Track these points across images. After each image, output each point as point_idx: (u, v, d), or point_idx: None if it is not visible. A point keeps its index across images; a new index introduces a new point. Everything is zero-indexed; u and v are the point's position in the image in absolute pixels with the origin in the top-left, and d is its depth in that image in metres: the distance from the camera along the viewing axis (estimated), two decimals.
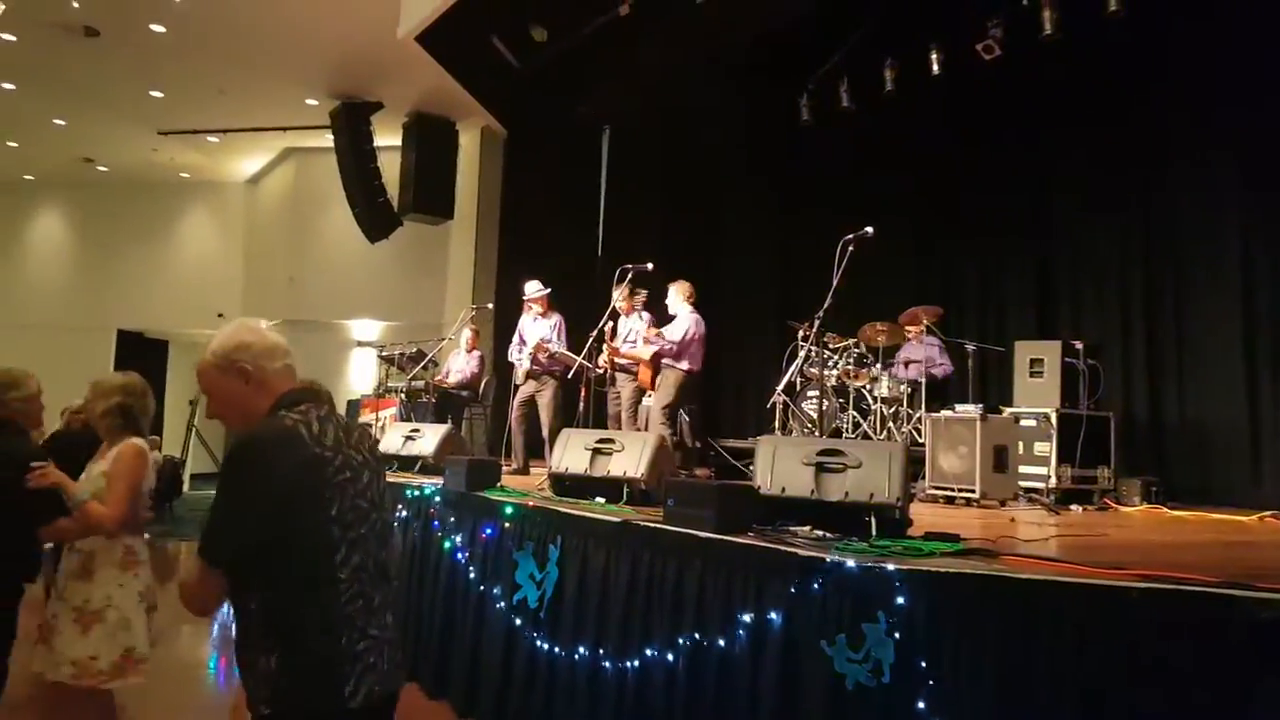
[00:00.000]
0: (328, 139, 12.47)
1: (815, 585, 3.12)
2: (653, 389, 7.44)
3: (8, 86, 12.64)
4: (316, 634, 2.03)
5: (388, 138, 12.16)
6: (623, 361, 7.64)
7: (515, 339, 8.13)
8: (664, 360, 7.28)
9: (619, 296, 7.52)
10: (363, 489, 2.18)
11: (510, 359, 8.16)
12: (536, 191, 11.35)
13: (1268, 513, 5.94)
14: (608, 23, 8.79)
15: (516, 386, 7.99)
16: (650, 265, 7.29)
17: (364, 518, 2.15)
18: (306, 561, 2.05)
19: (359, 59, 10.81)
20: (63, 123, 14.21)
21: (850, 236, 5.46)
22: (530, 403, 7.88)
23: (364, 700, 2.05)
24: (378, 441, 2.43)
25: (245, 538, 2.02)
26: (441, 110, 11.80)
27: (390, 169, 12.13)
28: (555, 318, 8.01)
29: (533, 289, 8.10)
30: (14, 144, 15.46)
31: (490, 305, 10.66)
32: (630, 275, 7.37)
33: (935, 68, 8.77)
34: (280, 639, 2.03)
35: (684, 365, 7.19)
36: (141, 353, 17.82)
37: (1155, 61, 8.06)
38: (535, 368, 7.81)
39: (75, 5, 10.01)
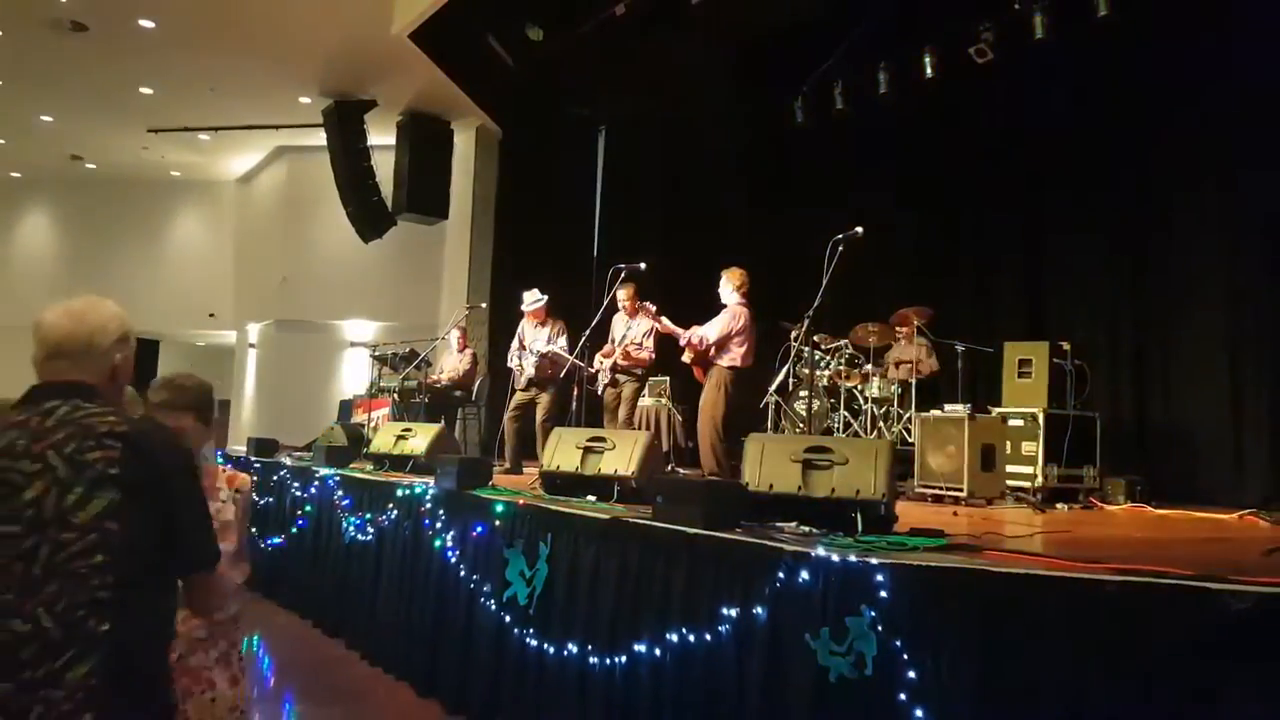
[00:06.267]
0: (321, 137, 12.46)
1: (800, 580, 3.15)
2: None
3: None
4: None
5: (382, 136, 12.17)
6: (626, 364, 7.63)
7: (515, 344, 8.10)
8: (710, 358, 6.82)
9: (624, 297, 7.51)
10: (19, 509, 1.76)
11: (510, 364, 8.13)
12: (532, 191, 11.37)
13: (1247, 511, 5.99)
14: (604, 23, 8.83)
15: (514, 389, 7.98)
16: (644, 265, 7.28)
17: (10, 543, 1.75)
18: None
19: (352, 56, 10.81)
20: (50, 119, 14.15)
21: (840, 237, 5.47)
22: (527, 405, 7.86)
23: None
24: (115, 440, 1.81)
25: None
26: (436, 109, 11.81)
27: (384, 168, 12.13)
28: (556, 324, 7.94)
29: (530, 300, 7.99)
30: (1, 141, 15.42)
31: (485, 305, 10.69)
32: (624, 275, 7.36)
33: (929, 71, 8.83)
34: None
35: (726, 361, 6.76)
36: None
37: (1145, 66, 8.12)
38: (537, 375, 7.78)
39: (63, 0, 9.99)
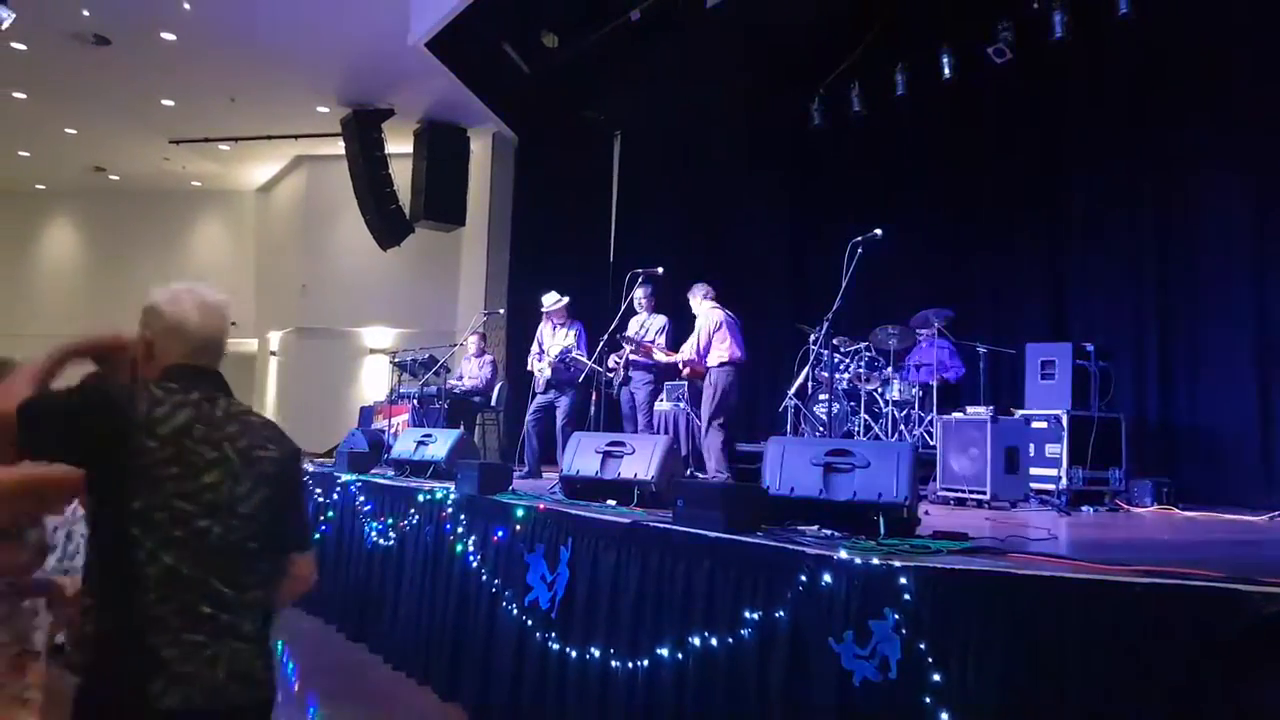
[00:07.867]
0: (339, 146, 12.56)
1: (823, 583, 3.13)
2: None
3: (19, 96, 12.77)
4: (123, 618, 1.87)
5: (399, 145, 12.25)
6: (639, 359, 7.66)
7: (534, 348, 8.13)
8: (704, 366, 7.17)
9: (641, 295, 7.55)
10: (196, 490, 1.93)
11: (530, 368, 8.15)
12: (548, 197, 11.41)
13: (1277, 513, 5.90)
14: (619, 28, 8.84)
15: (535, 393, 8.00)
16: (660, 269, 7.32)
17: (184, 521, 1.91)
18: (114, 537, 1.89)
19: (370, 66, 10.89)
20: (74, 132, 14.33)
21: (859, 239, 5.46)
22: (547, 409, 7.88)
23: (181, 704, 1.86)
24: (270, 442, 2.08)
25: (51, 430, 1.90)
26: (453, 117, 11.87)
27: (402, 176, 12.22)
28: (575, 326, 7.99)
29: (550, 301, 8.03)
30: (25, 153, 15.61)
31: (502, 311, 10.72)
32: (641, 279, 7.39)
33: (946, 71, 8.79)
34: (95, 601, 1.91)
35: (715, 360, 7.02)
36: None
37: (1167, 66, 8.05)
38: (555, 377, 7.80)
39: (86, 14, 10.11)
